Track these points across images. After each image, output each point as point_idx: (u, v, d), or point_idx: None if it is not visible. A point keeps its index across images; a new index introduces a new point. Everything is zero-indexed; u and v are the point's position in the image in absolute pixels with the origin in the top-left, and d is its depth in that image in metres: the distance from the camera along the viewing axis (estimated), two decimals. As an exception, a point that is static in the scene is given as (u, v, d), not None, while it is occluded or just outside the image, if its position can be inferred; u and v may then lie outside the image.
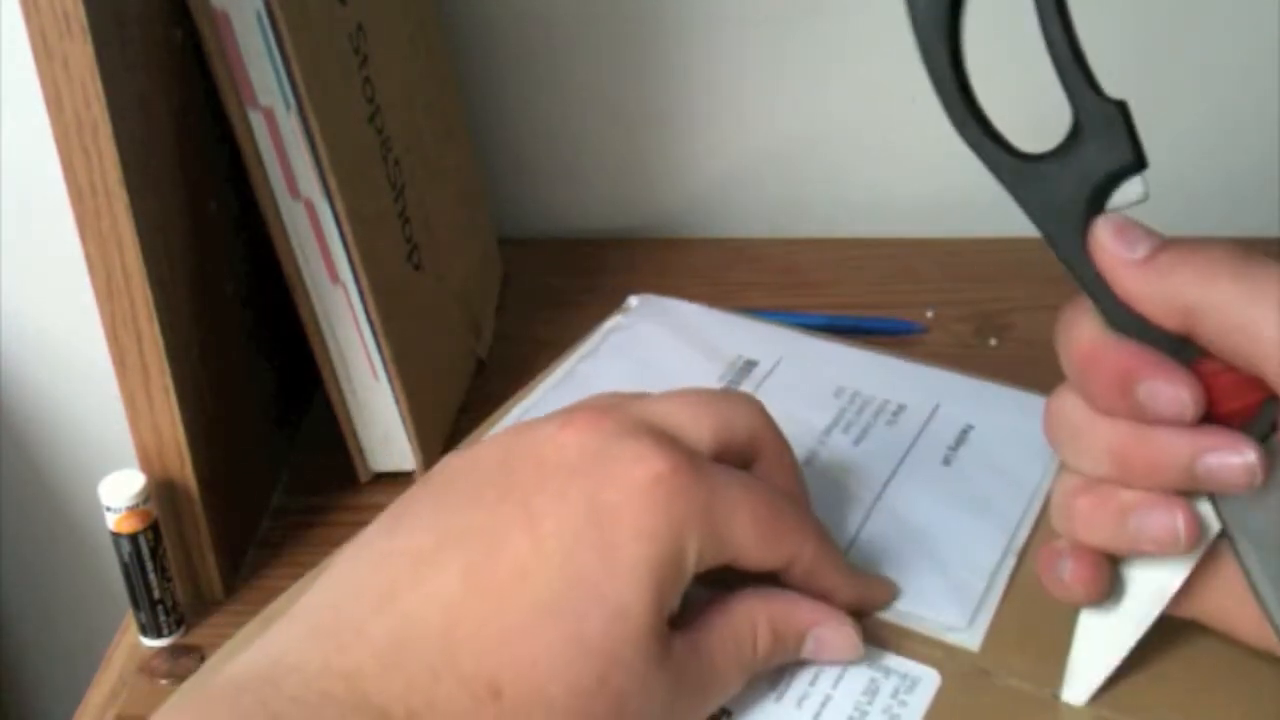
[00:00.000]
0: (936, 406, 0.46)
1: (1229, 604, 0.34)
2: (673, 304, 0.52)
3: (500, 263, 0.71)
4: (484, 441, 0.37)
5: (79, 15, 0.41)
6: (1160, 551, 0.33)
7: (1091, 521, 0.33)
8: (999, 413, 0.45)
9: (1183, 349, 0.33)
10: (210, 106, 0.50)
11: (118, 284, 0.46)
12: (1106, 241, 0.34)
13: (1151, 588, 0.34)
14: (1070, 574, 0.34)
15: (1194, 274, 0.33)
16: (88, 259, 0.45)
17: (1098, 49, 0.73)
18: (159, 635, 0.49)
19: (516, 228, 0.76)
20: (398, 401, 0.54)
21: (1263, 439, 0.32)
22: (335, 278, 0.52)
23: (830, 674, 0.36)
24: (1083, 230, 0.34)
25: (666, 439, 0.35)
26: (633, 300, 0.53)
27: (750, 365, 0.49)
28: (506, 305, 0.69)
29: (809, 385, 0.47)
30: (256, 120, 0.49)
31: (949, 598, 0.38)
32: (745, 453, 0.38)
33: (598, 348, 0.51)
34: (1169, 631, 0.36)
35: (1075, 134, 0.35)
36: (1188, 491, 0.33)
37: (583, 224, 0.77)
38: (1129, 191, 0.34)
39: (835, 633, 0.36)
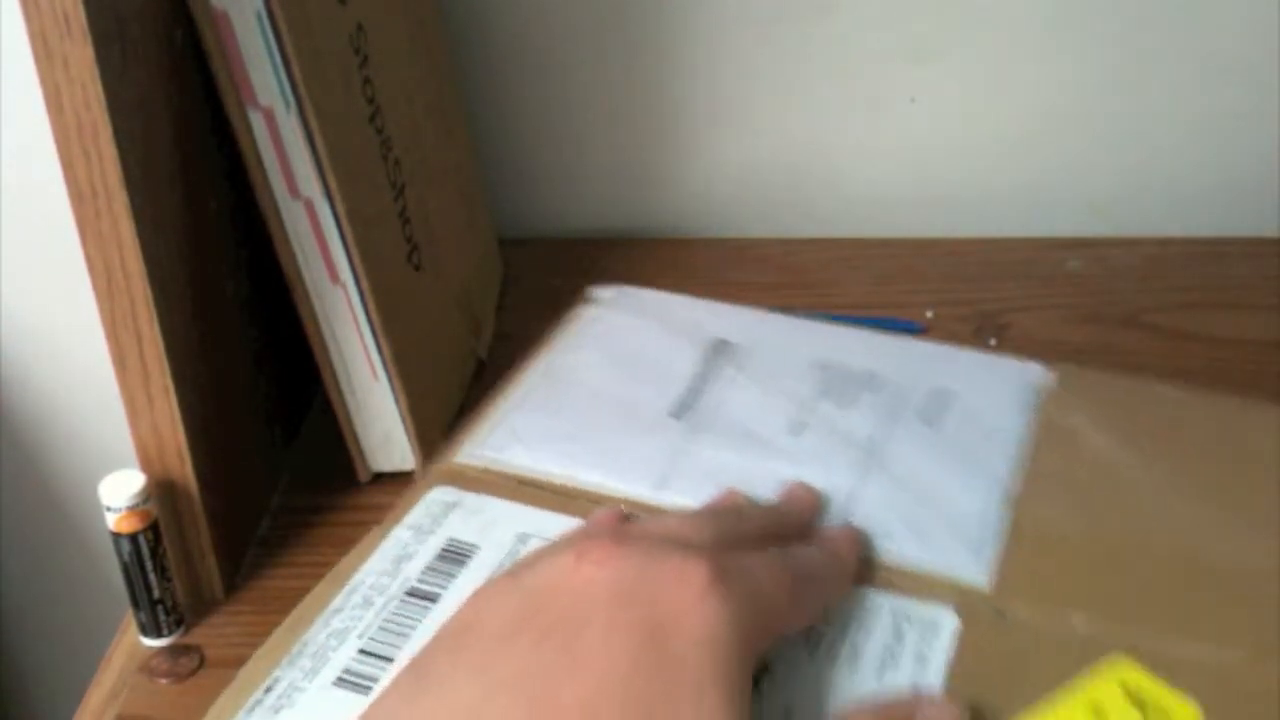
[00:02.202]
0: (913, 372, 0.48)
1: None
2: (643, 293, 0.54)
3: (500, 263, 0.71)
4: (487, 590, 0.35)
5: (79, 16, 0.41)
6: None
7: None
8: (971, 375, 0.48)
9: None
10: (210, 106, 0.50)
11: (118, 284, 0.46)
12: None
13: None
14: None
15: None
16: (88, 259, 0.45)
17: (1100, 49, 0.74)
18: (159, 635, 0.49)
19: (516, 228, 0.76)
20: (398, 401, 0.54)
21: None
22: (335, 278, 0.52)
23: (857, 624, 0.38)
24: None
25: (692, 549, 0.34)
26: (601, 292, 0.53)
27: (727, 344, 0.50)
28: (506, 305, 0.69)
29: (788, 360, 0.49)
30: (256, 120, 0.49)
31: (956, 543, 0.40)
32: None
33: (574, 338, 0.51)
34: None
35: None
36: None
37: (583, 224, 0.77)
38: None
39: (940, 711, 0.35)
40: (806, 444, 0.45)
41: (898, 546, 0.41)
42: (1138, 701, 0.36)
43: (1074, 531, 0.41)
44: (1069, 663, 0.37)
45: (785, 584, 0.35)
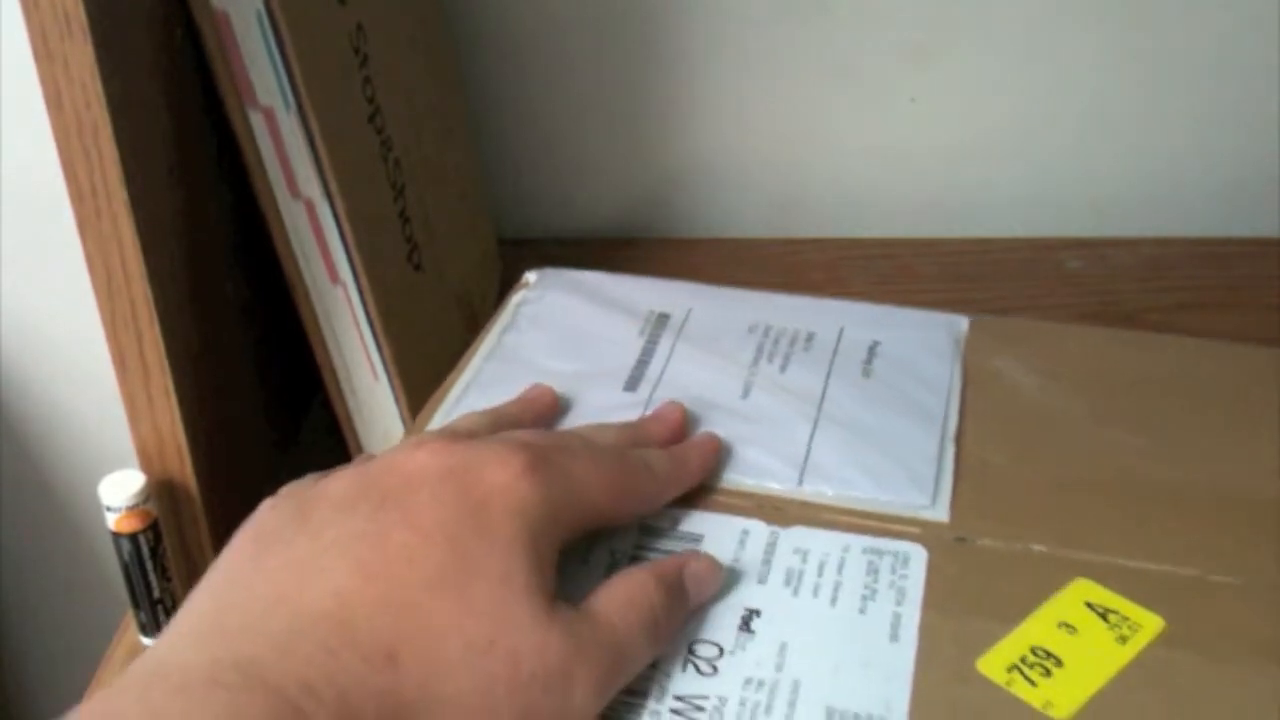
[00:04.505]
0: (841, 329, 0.51)
1: None
2: (572, 273, 0.55)
3: (500, 263, 0.71)
4: (325, 476, 0.38)
5: (79, 16, 0.42)
6: None
7: None
8: (897, 328, 0.51)
9: None
10: (210, 106, 0.50)
11: (118, 284, 0.46)
12: None
13: None
14: None
15: None
16: (88, 259, 0.45)
17: (1100, 49, 0.74)
18: (159, 635, 0.49)
19: (516, 228, 0.76)
20: (398, 401, 0.54)
21: None
22: (335, 278, 0.52)
23: (833, 562, 0.40)
24: None
25: (515, 442, 0.39)
26: (531, 275, 0.54)
27: (664, 317, 0.51)
28: (506, 305, 0.69)
29: (724, 327, 0.51)
30: (256, 120, 0.49)
31: (911, 482, 0.43)
32: None
33: (514, 321, 0.52)
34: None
35: None
36: None
37: (582, 224, 0.77)
38: None
39: (701, 563, 0.39)
40: (757, 404, 0.47)
41: (858, 491, 0.43)
42: (1103, 614, 0.38)
43: (1016, 464, 0.44)
44: (1035, 582, 0.39)
45: (605, 483, 0.39)
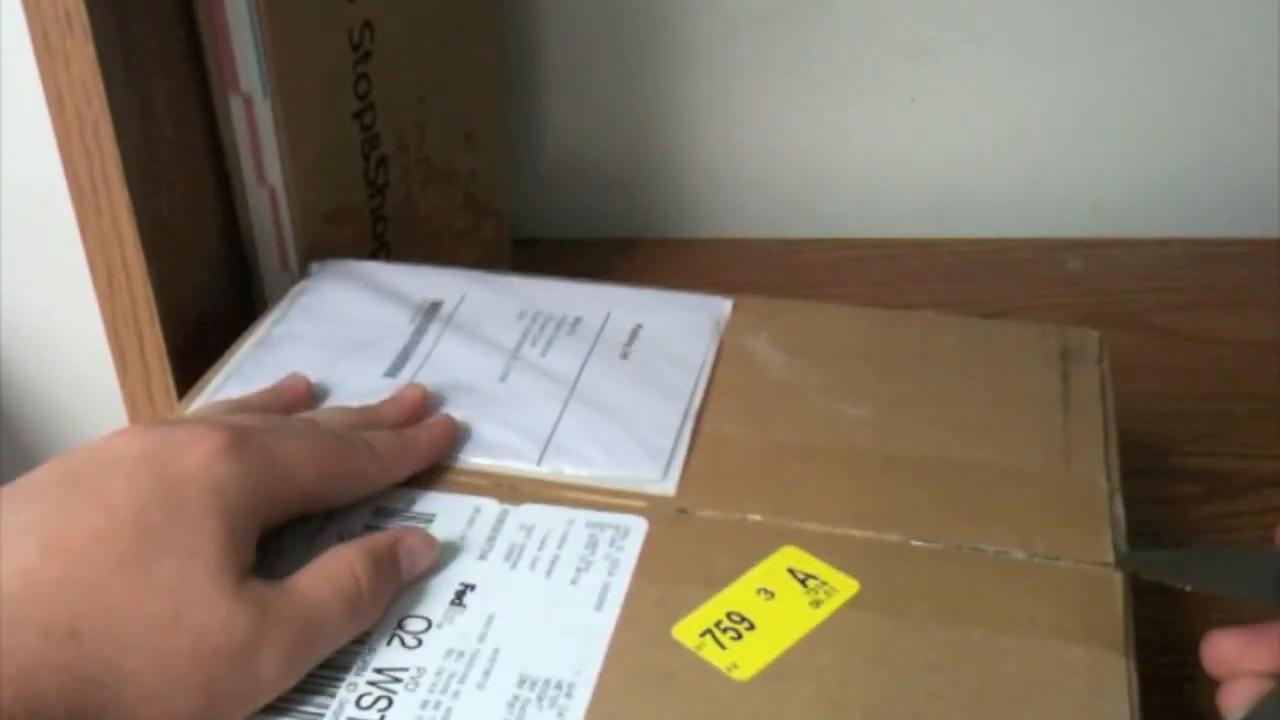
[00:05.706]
0: (608, 314, 0.52)
1: None
2: (356, 264, 0.55)
3: (509, 266, 0.71)
4: (43, 465, 0.38)
5: (80, 14, 0.42)
6: None
7: None
8: (662, 312, 0.52)
9: None
10: (210, 103, 0.50)
11: (119, 282, 0.46)
12: None
13: None
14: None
15: None
16: (89, 257, 0.45)
17: (1100, 49, 0.74)
18: None
19: (518, 228, 0.76)
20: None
21: None
22: (285, 265, 0.53)
23: (554, 537, 0.41)
24: None
25: (217, 422, 0.39)
26: (315, 266, 0.55)
27: (436, 305, 0.52)
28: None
29: (493, 313, 0.52)
30: (236, 105, 0.50)
31: (644, 458, 0.44)
32: None
33: (288, 311, 0.52)
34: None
35: None
36: None
37: (585, 224, 0.77)
38: None
39: (415, 538, 0.40)
40: (512, 387, 0.48)
41: (592, 469, 0.44)
42: (803, 579, 0.40)
43: (749, 438, 0.46)
44: (747, 550, 0.41)
45: (315, 463, 0.39)
